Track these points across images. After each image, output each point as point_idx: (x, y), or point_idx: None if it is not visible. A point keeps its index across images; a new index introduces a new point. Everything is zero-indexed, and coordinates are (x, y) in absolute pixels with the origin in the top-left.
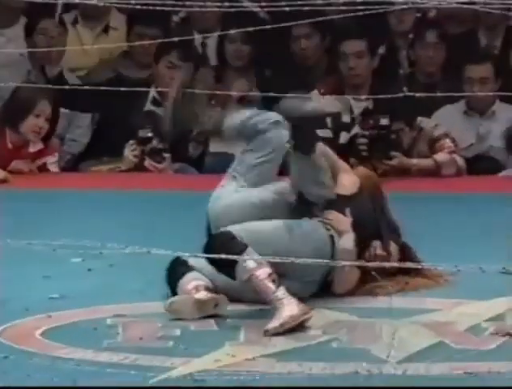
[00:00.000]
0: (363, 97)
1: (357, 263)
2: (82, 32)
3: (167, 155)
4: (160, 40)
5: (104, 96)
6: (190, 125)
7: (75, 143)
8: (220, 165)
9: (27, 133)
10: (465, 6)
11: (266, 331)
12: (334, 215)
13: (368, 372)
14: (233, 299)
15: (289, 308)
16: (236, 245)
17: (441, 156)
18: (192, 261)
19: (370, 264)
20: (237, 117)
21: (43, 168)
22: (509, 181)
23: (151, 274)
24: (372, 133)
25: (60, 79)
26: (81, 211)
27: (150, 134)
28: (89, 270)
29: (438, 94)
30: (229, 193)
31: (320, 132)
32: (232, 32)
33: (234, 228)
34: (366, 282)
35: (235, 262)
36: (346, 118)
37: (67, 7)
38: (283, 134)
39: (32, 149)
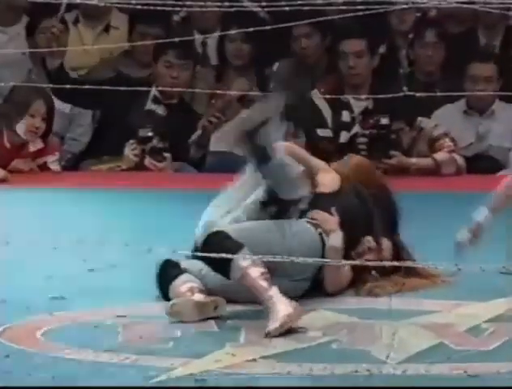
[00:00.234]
0: (363, 97)
1: (351, 263)
2: (83, 32)
3: (167, 154)
4: (161, 41)
5: (104, 95)
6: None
7: (76, 142)
8: (220, 164)
9: (24, 133)
10: (465, 5)
11: (267, 333)
12: (320, 215)
13: (368, 372)
14: (226, 299)
15: (283, 307)
16: (231, 244)
17: (440, 155)
18: (183, 263)
19: (368, 263)
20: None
21: (43, 168)
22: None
23: (152, 274)
24: (372, 132)
25: (61, 72)
26: (82, 211)
27: (150, 134)
28: (89, 270)
29: (438, 93)
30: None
31: (320, 132)
32: (232, 32)
33: (227, 228)
34: (366, 282)
35: (229, 260)
36: (346, 117)
37: (68, 7)
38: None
39: (32, 148)
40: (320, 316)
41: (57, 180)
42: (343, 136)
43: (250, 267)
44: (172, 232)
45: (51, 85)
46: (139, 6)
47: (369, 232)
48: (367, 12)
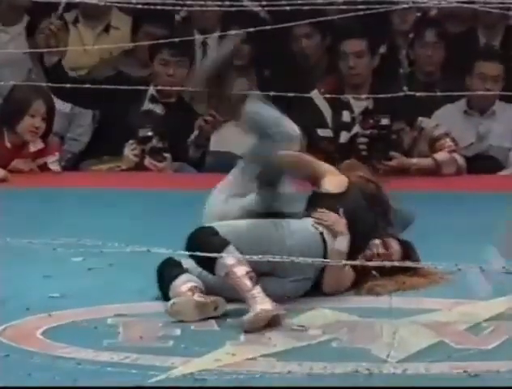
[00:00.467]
0: (363, 97)
1: (351, 263)
2: (83, 32)
3: (167, 154)
4: (162, 41)
5: (105, 95)
6: None
7: (76, 142)
8: (220, 164)
9: (24, 133)
10: (465, 5)
11: (242, 323)
12: (329, 216)
13: (368, 371)
14: (226, 299)
15: (263, 305)
16: (217, 241)
17: (440, 155)
18: (184, 262)
19: (369, 263)
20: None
21: (44, 168)
22: (508, 181)
23: (152, 273)
24: (372, 132)
25: (58, 68)
26: (81, 210)
27: (150, 133)
28: (89, 269)
29: (438, 93)
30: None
31: (320, 132)
32: (232, 32)
33: (220, 226)
34: (366, 281)
35: (215, 257)
36: (346, 118)
37: (68, 7)
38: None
39: (32, 148)
40: (320, 315)
41: (57, 180)
42: (344, 136)
43: (236, 266)
44: (171, 232)
45: (51, 84)
46: (140, 6)
47: (377, 234)
48: (367, 12)
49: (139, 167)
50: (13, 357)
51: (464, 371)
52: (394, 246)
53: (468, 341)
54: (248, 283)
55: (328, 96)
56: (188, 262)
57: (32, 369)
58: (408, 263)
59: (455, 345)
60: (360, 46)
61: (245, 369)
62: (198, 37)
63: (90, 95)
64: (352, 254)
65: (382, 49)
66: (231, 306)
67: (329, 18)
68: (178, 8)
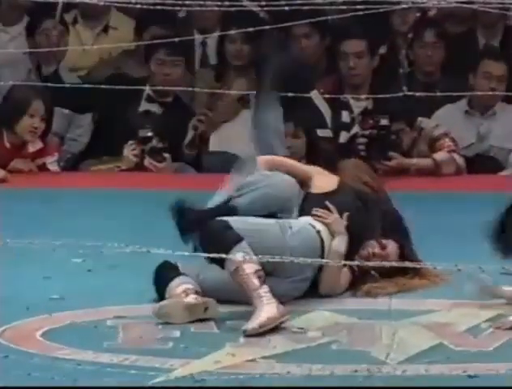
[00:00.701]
0: (363, 97)
1: (350, 263)
2: (81, 32)
3: (167, 155)
4: (162, 41)
5: (105, 95)
6: None
7: (75, 142)
8: (219, 164)
9: (24, 133)
10: (464, 5)
11: (244, 330)
12: (329, 215)
13: (367, 373)
14: (223, 301)
15: (268, 308)
16: (231, 235)
17: (440, 155)
18: (181, 265)
19: (369, 264)
20: None
21: (43, 168)
22: (508, 181)
23: (151, 275)
24: (372, 133)
25: (55, 78)
26: (81, 211)
27: (150, 134)
28: (89, 270)
29: (438, 94)
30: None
31: (320, 132)
32: (232, 32)
33: (233, 220)
34: (365, 282)
35: (226, 252)
36: (346, 118)
37: (67, 7)
38: None
39: (31, 148)
40: (319, 317)
41: (56, 180)
42: (343, 136)
43: (245, 263)
44: (171, 233)
45: (50, 84)
46: (139, 6)
47: (372, 234)
48: (367, 12)
49: (139, 167)
50: (12, 358)
51: (464, 372)
52: (391, 247)
53: (468, 342)
54: (256, 281)
55: (327, 96)
56: (186, 265)
57: (31, 369)
58: (407, 264)
59: (455, 346)
60: (359, 46)
61: (244, 371)
62: (197, 37)
63: (89, 96)
64: (346, 254)
65: (382, 50)
66: (230, 308)
67: (329, 18)
68: (177, 8)
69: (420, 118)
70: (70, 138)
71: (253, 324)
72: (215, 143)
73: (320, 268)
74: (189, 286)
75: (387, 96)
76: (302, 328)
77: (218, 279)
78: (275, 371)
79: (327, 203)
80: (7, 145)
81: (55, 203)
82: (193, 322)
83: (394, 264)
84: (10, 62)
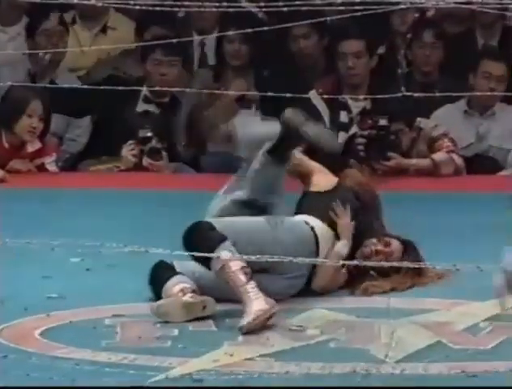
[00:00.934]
0: (361, 97)
1: (349, 263)
2: (80, 33)
3: (165, 153)
4: (163, 41)
5: (103, 96)
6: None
7: (74, 142)
8: (218, 165)
9: (22, 133)
10: (463, 6)
11: (240, 328)
12: (345, 218)
13: (366, 371)
14: (219, 299)
15: (258, 302)
16: (214, 236)
17: (438, 156)
18: (177, 264)
19: (366, 264)
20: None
21: (41, 168)
22: (507, 181)
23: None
24: (370, 133)
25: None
26: (79, 211)
27: (149, 134)
28: (87, 269)
29: (437, 94)
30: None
31: None
32: (230, 32)
33: (217, 221)
34: (363, 281)
35: (211, 252)
36: (344, 118)
37: (65, 8)
38: None
39: (30, 149)
40: (318, 315)
41: (55, 180)
42: (341, 137)
43: (231, 260)
44: (169, 232)
45: (48, 85)
46: (138, 7)
47: (372, 233)
48: (365, 12)
49: (138, 167)
50: (11, 358)
51: (462, 371)
52: (394, 245)
53: (466, 341)
54: (242, 277)
55: (326, 96)
56: (182, 265)
57: (30, 369)
58: (406, 264)
59: (453, 345)
60: (358, 47)
61: (242, 370)
62: (196, 38)
63: (87, 96)
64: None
65: (381, 50)
66: (228, 307)
67: (327, 18)
68: (176, 9)
69: (419, 118)
70: (68, 139)
71: (247, 319)
72: (214, 144)
73: (315, 265)
74: (186, 285)
75: (386, 96)
76: (300, 326)
77: (213, 276)
78: (274, 370)
79: (338, 202)
80: (6, 145)
81: (54, 203)
82: (191, 320)
83: (394, 264)
84: (8, 63)
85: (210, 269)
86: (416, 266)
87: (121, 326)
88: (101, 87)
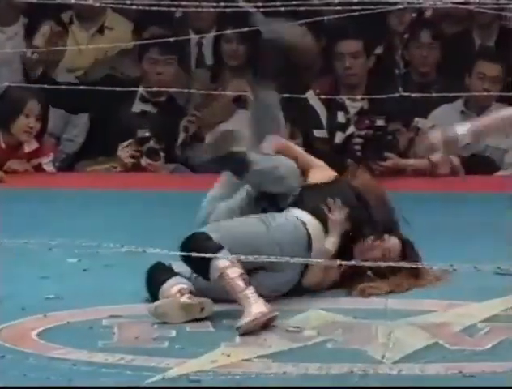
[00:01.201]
0: (358, 97)
1: (347, 263)
2: (77, 33)
3: (162, 154)
4: (160, 40)
5: (99, 96)
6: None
7: (72, 142)
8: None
9: (19, 133)
10: (460, 6)
11: (238, 327)
12: (337, 215)
13: (363, 372)
14: (217, 300)
15: (256, 306)
16: (211, 246)
17: (436, 156)
18: (175, 265)
19: (365, 264)
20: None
21: (39, 168)
22: (504, 181)
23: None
24: (367, 133)
25: (45, 78)
26: (76, 211)
27: (148, 134)
28: (85, 270)
29: (434, 94)
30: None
31: (316, 132)
32: (228, 31)
33: (210, 229)
34: (361, 282)
35: (208, 261)
36: (341, 118)
37: (63, 8)
38: None
39: (27, 149)
40: (315, 316)
41: (52, 181)
42: (339, 137)
43: (229, 268)
44: (167, 233)
45: (45, 85)
46: (134, 7)
47: (369, 227)
48: (363, 13)
49: (135, 167)
50: (8, 358)
51: (459, 372)
52: (392, 242)
53: (463, 342)
54: (241, 283)
55: (323, 96)
56: (178, 265)
57: (27, 369)
58: (403, 264)
59: (450, 346)
60: (355, 47)
61: (240, 370)
62: (193, 37)
63: (84, 96)
64: (342, 248)
65: (378, 50)
66: (226, 308)
67: (324, 18)
68: (173, 9)
69: (416, 118)
70: (66, 139)
71: (245, 320)
72: None
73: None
74: (184, 286)
75: (383, 96)
76: (298, 327)
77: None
78: (271, 371)
79: (336, 200)
80: (3, 145)
81: (51, 203)
82: (188, 321)
83: (391, 264)
84: (6, 62)
85: (209, 279)
86: (413, 266)
87: (119, 326)
88: (98, 88)
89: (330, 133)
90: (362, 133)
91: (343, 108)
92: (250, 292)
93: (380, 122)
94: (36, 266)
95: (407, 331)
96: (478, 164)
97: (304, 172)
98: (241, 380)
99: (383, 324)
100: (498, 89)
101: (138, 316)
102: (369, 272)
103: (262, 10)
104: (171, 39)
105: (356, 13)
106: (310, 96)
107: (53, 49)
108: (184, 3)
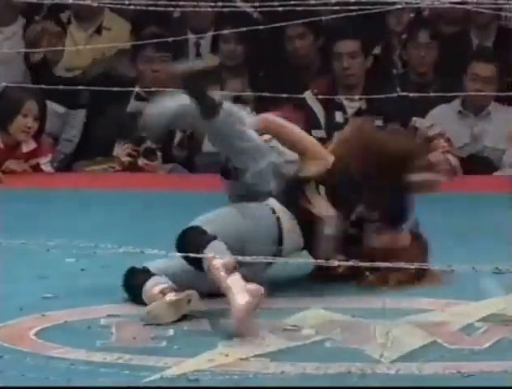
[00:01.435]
0: (356, 97)
1: (346, 264)
2: (75, 33)
3: (159, 153)
4: (157, 40)
5: (96, 96)
6: None
7: (70, 142)
8: (213, 165)
9: (17, 133)
10: (458, 6)
11: (231, 329)
12: (318, 202)
13: (361, 371)
14: (200, 293)
15: (239, 297)
16: (203, 239)
17: (434, 156)
18: (155, 266)
19: (364, 264)
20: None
21: (36, 168)
22: (503, 181)
23: None
24: None
25: (44, 67)
26: (74, 211)
27: (145, 134)
28: (82, 270)
29: (432, 94)
30: None
31: (313, 132)
32: (225, 31)
33: (201, 221)
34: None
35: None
36: (339, 118)
37: (61, 7)
38: None
39: (25, 149)
40: (313, 314)
41: (50, 181)
42: (337, 137)
43: (214, 258)
44: (165, 233)
45: (43, 86)
46: (132, 7)
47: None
48: (360, 13)
49: (133, 168)
50: (6, 358)
51: (457, 371)
52: (405, 238)
53: (461, 341)
54: (222, 273)
55: (321, 97)
56: (154, 265)
57: (25, 369)
58: (401, 265)
59: (448, 345)
60: (353, 47)
61: (238, 370)
62: (191, 37)
63: (81, 96)
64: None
65: (376, 50)
66: (223, 307)
67: (323, 18)
68: (171, 9)
69: (414, 118)
70: (64, 139)
71: (234, 320)
72: (209, 144)
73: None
74: (164, 285)
75: (381, 96)
76: (296, 326)
77: (186, 269)
78: (269, 370)
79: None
80: (1, 145)
81: (49, 203)
82: (186, 320)
83: (389, 265)
84: (4, 62)
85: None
86: (411, 267)
87: (117, 326)
88: (95, 88)
89: (328, 133)
90: None
91: (341, 108)
92: (231, 280)
93: (378, 122)
94: (34, 265)
95: (405, 330)
96: (476, 164)
97: (298, 153)
98: (239, 379)
99: (381, 323)
100: (492, 89)
101: (135, 316)
102: (367, 273)
103: (259, 10)
104: (169, 39)
105: (354, 13)
106: (308, 96)
107: (53, 49)
108: (182, 3)
